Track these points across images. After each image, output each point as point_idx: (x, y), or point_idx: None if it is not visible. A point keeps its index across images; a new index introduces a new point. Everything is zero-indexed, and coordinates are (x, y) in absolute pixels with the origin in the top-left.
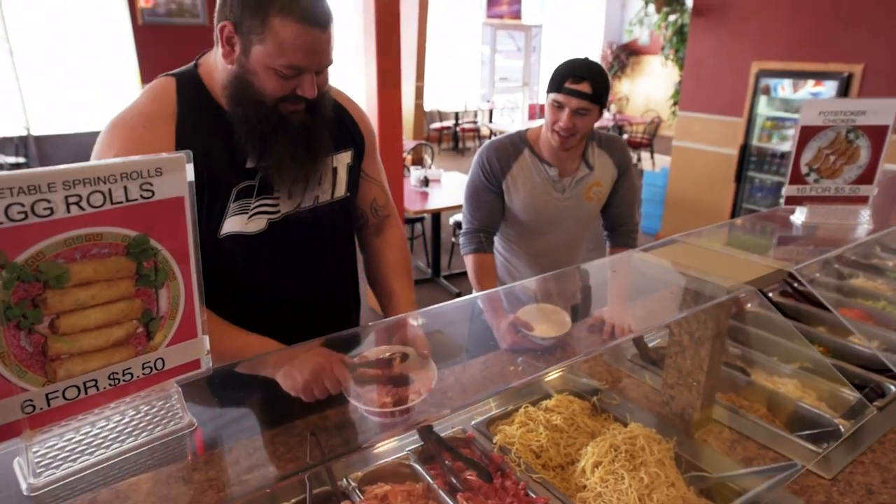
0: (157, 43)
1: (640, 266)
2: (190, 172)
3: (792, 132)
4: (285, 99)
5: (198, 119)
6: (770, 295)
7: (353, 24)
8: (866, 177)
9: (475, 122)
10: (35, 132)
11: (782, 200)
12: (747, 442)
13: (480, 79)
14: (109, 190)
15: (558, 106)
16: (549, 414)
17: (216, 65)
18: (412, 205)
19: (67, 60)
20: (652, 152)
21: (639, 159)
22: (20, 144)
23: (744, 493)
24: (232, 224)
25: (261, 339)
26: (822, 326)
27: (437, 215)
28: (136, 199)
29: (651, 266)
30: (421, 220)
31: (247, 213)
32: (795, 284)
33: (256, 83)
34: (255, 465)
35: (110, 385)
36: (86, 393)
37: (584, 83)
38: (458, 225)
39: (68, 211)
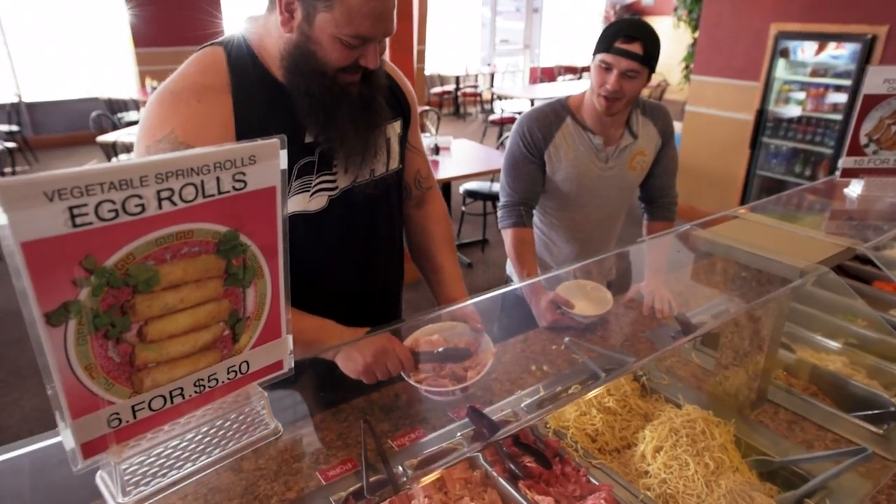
0: (150, 6)
1: (705, 245)
2: (283, 159)
3: (802, 96)
4: (345, 69)
5: (253, 92)
6: None
7: None
8: None
9: (476, 87)
10: (27, 99)
11: (838, 173)
12: (804, 423)
13: (481, 41)
14: (202, 182)
15: (606, 67)
16: (601, 396)
17: (268, 32)
18: None
19: (57, 26)
20: None
21: None
22: (12, 112)
23: (810, 477)
24: (295, 203)
25: (319, 321)
26: (860, 300)
27: (446, 184)
28: (228, 191)
29: (717, 245)
30: None
31: (308, 190)
32: None
33: (319, 53)
34: (305, 452)
35: (196, 392)
36: (171, 402)
37: (636, 43)
38: (468, 193)
39: (160, 207)
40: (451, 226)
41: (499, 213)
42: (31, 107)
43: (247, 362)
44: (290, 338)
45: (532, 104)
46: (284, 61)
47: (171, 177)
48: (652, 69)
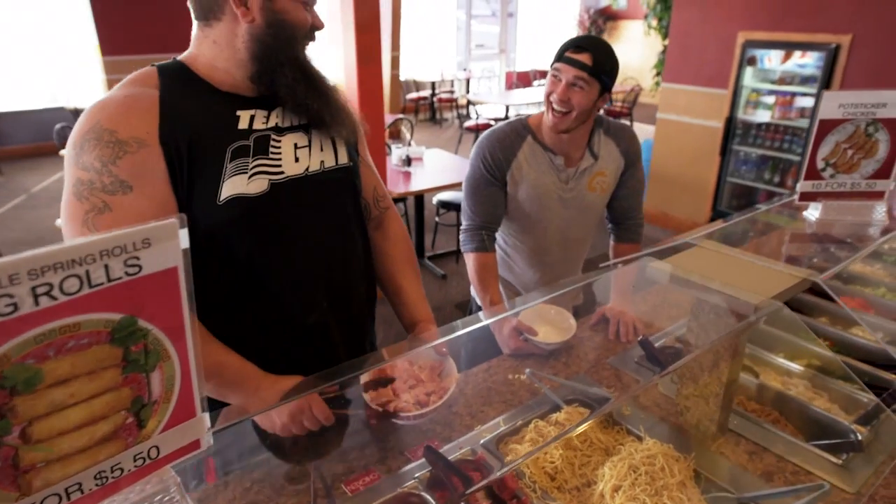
0: (117, 13)
1: (658, 276)
2: (184, 239)
3: (770, 102)
4: (306, 37)
5: (182, 90)
6: None
7: None
8: (884, 171)
9: (452, 92)
10: None
11: (796, 196)
12: (765, 453)
13: (456, 46)
14: (87, 272)
15: (556, 76)
16: (561, 429)
17: (201, 52)
18: (395, 186)
19: (22, 35)
20: (632, 121)
21: None
22: None
23: None
24: (232, 186)
25: (240, 363)
26: (824, 317)
27: (419, 196)
28: (121, 278)
29: (674, 278)
30: (403, 200)
31: (246, 172)
32: None
33: (289, 19)
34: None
35: (97, 485)
36: (69, 499)
37: (585, 54)
38: (442, 204)
39: (37, 304)
40: (412, 246)
41: (461, 237)
42: None
43: (156, 447)
44: (206, 416)
45: (507, 110)
46: (256, 50)
47: (48, 271)
48: (603, 85)
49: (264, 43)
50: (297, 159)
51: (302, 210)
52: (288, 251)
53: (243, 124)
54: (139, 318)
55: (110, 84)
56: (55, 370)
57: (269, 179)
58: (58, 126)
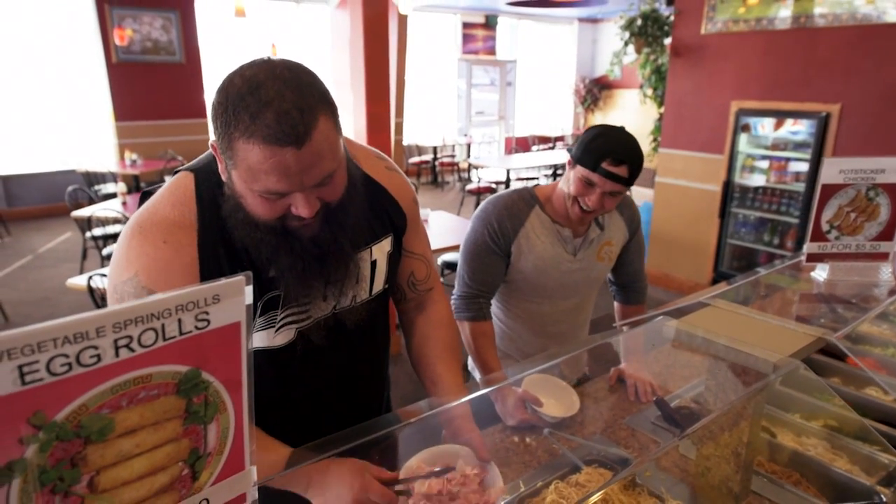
0: (133, 81)
1: (675, 335)
2: (249, 295)
3: (765, 167)
4: (284, 217)
5: (219, 225)
6: None
7: (343, 63)
8: (887, 233)
9: (453, 157)
10: (3, 171)
11: (803, 258)
12: None
13: (457, 112)
14: (163, 325)
15: (588, 183)
16: (582, 490)
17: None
18: None
19: (38, 99)
20: None
21: None
22: None
23: None
24: (259, 339)
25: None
26: (836, 377)
27: None
28: (190, 332)
29: (691, 337)
30: None
31: (273, 326)
32: None
33: (246, 205)
34: None
35: None
36: None
37: (623, 166)
38: (446, 265)
39: (117, 355)
40: (455, 331)
41: (454, 303)
42: (7, 179)
43: (207, 500)
44: (254, 469)
45: (507, 174)
46: (224, 208)
47: (130, 324)
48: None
49: (229, 208)
50: (325, 297)
51: (328, 345)
52: (310, 380)
53: (274, 271)
54: (203, 371)
55: (121, 149)
56: (125, 420)
57: (297, 328)
58: (69, 189)
